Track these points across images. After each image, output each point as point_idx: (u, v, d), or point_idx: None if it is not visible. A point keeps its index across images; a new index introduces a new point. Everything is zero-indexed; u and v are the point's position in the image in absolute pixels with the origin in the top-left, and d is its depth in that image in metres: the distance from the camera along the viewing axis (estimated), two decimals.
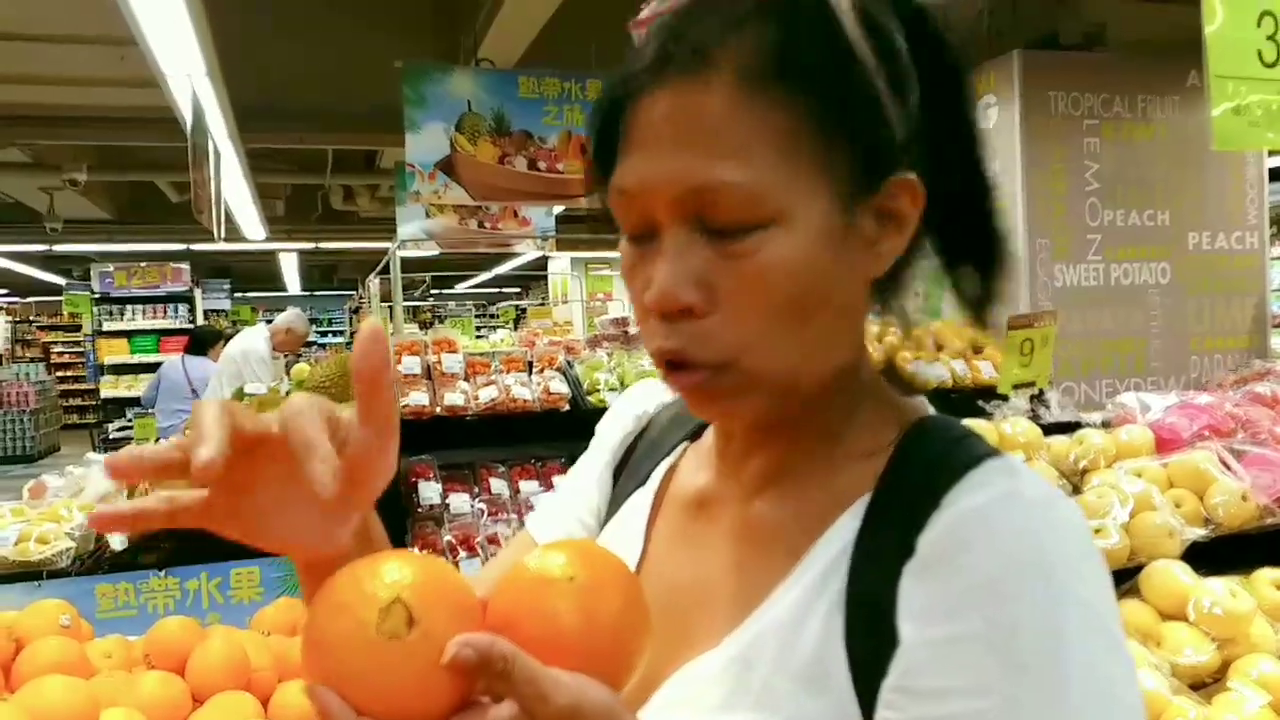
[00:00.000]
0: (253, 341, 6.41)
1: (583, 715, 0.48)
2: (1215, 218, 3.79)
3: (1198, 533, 2.06)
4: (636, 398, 0.88)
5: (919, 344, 3.36)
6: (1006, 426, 2.31)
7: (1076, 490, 2.20)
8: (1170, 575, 1.93)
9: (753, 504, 0.68)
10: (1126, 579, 1.97)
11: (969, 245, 0.66)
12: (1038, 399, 2.82)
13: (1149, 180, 3.71)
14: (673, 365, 0.61)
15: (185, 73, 4.21)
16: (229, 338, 7.36)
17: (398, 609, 0.48)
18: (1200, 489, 2.16)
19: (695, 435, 0.80)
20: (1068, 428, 2.47)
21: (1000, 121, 3.69)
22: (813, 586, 0.60)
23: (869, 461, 0.63)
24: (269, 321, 16.16)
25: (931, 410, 0.68)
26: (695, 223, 0.59)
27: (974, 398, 3.21)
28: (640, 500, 0.79)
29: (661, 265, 0.59)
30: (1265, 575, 1.96)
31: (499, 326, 17.33)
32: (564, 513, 0.85)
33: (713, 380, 0.60)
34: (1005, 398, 2.80)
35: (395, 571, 0.50)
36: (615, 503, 0.82)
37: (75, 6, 4.64)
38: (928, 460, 0.60)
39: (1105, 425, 2.48)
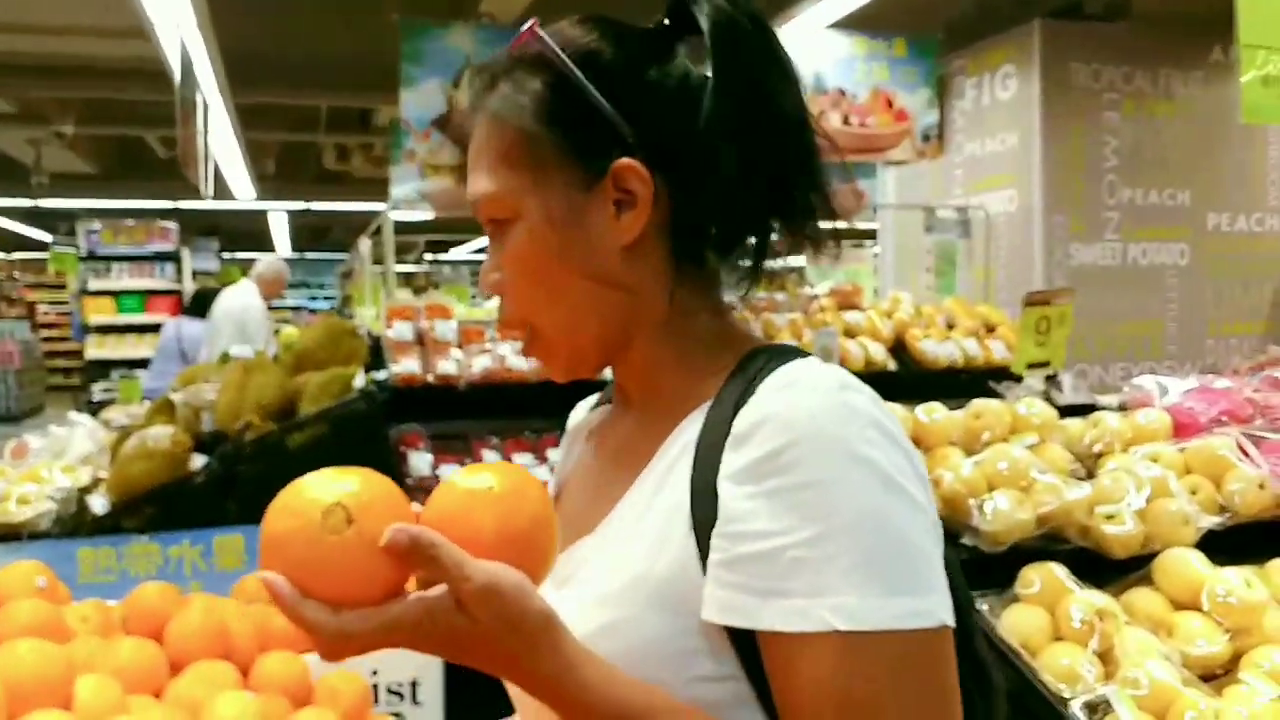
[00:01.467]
0: (249, 298, 6.23)
1: (499, 591, 0.60)
2: (1236, 198, 3.71)
3: (1213, 520, 2.00)
4: (589, 400, 1.01)
5: (929, 322, 3.29)
6: (1020, 407, 2.24)
7: (1090, 474, 2.14)
8: (1185, 563, 1.88)
9: (623, 424, 0.85)
10: (1140, 566, 1.92)
11: (723, 234, 0.79)
12: (1051, 381, 2.75)
13: (1169, 158, 3.62)
14: (512, 334, 0.82)
15: (174, 23, 4.08)
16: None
17: (338, 510, 0.59)
18: (1217, 476, 2.10)
19: (606, 401, 0.96)
20: (1083, 410, 2.40)
21: (1018, 93, 3.60)
22: (664, 471, 0.74)
23: (711, 380, 0.76)
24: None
25: (766, 343, 0.81)
26: (489, 225, 0.79)
27: (985, 378, 3.14)
28: (560, 469, 0.96)
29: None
30: None
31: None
32: None
33: (527, 340, 0.80)
34: (1018, 378, 2.73)
35: (338, 480, 0.61)
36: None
37: None
38: (753, 369, 0.73)
39: (1121, 408, 2.41)
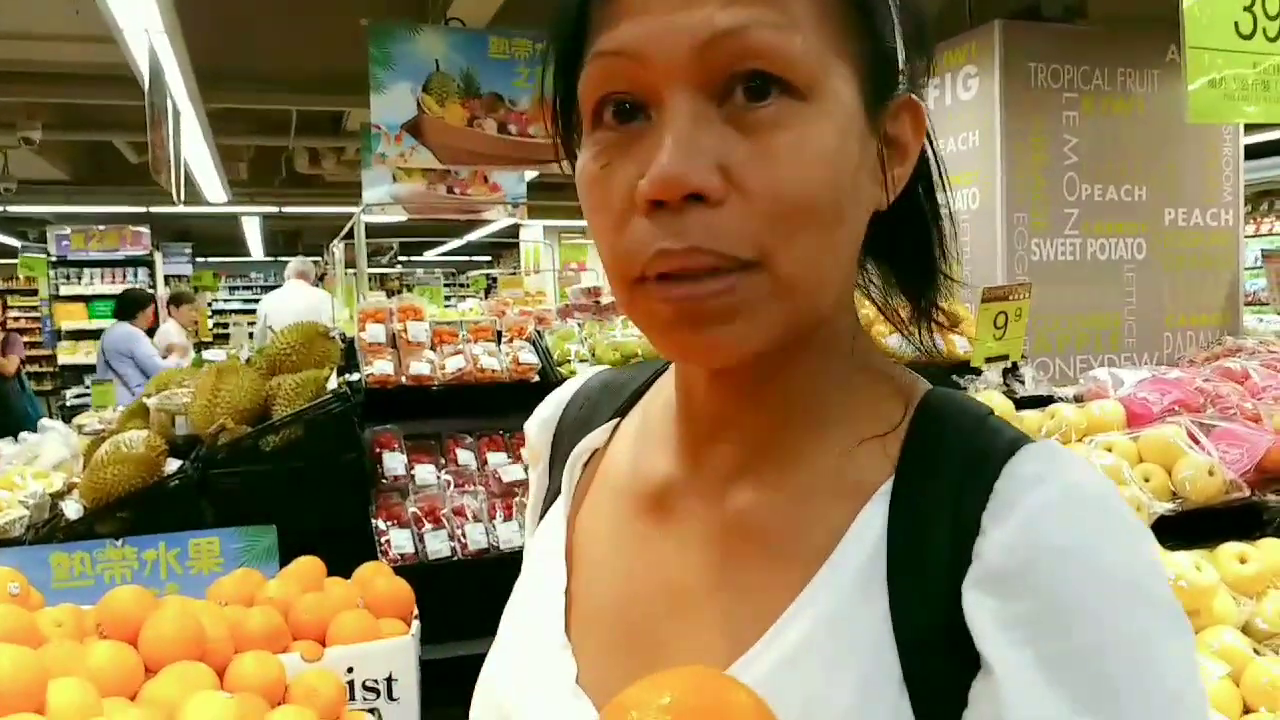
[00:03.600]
0: (312, 296, 6.45)
1: None
2: (1192, 194, 3.80)
3: (1165, 507, 2.07)
4: (562, 389, 0.77)
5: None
6: (979, 399, 2.30)
7: None
8: None
9: (733, 491, 0.57)
10: None
11: (912, 267, 0.61)
12: (1011, 373, 2.82)
13: (1127, 155, 3.70)
14: (675, 279, 0.49)
15: (142, 28, 4.08)
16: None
17: None
18: (1169, 463, 2.17)
19: (624, 411, 0.69)
20: (1041, 402, 2.47)
21: (980, 92, 3.66)
22: (840, 606, 0.51)
23: (877, 444, 0.54)
24: (235, 287, 15.84)
25: (927, 383, 0.60)
26: (709, 90, 0.49)
27: (948, 372, 3.20)
28: (555, 516, 0.69)
29: (666, 141, 0.48)
30: (1230, 549, 1.98)
31: (469, 296, 17.19)
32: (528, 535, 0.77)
33: (738, 285, 0.48)
34: (978, 371, 2.79)
35: None
36: (549, 500, 0.72)
37: None
38: (955, 445, 0.53)
39: (1078, 400, 2.48)
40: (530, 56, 4.16)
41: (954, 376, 3.24)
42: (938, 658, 0.48)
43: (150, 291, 8.07)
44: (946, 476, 0.51)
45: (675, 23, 0.48)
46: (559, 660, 0.60)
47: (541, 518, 0.72)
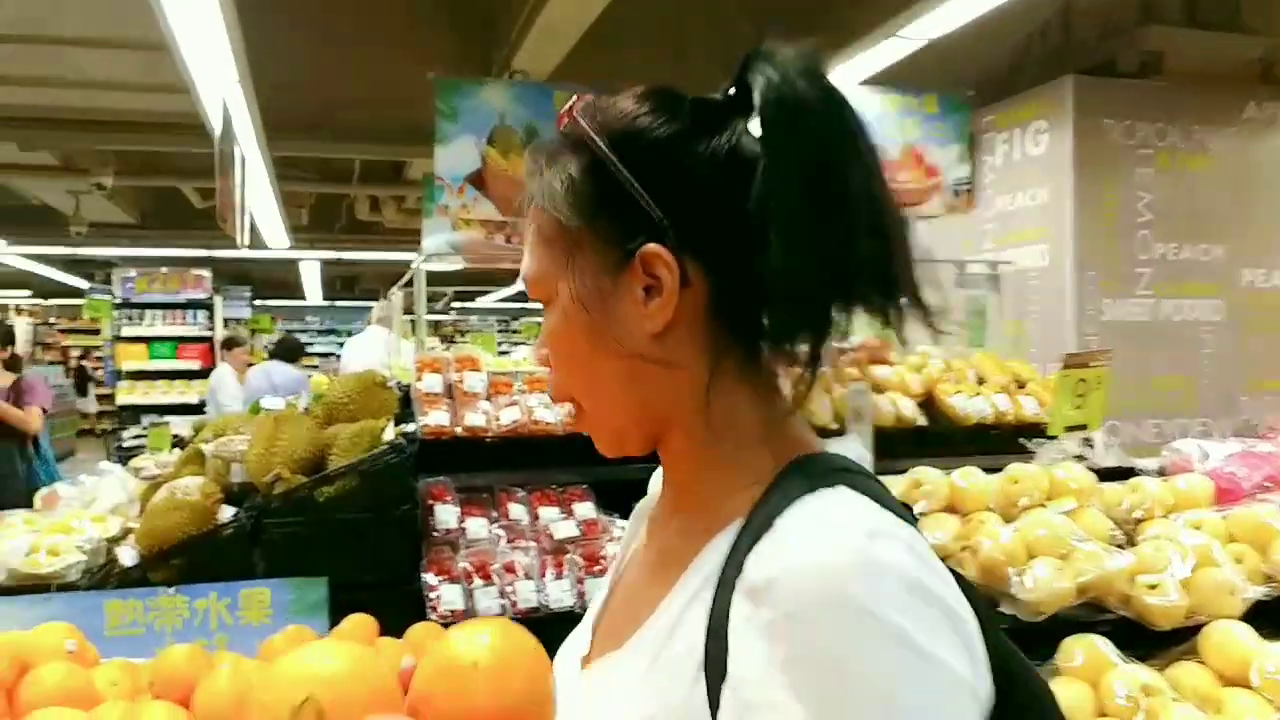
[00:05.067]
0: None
1: None
2: (1271, 254, 3.67)
3: (1260, 591, 1.95)
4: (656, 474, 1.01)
5: (959, 377, 3.25)
6: (1059, 471, 2.20)
7: (1130, 541, 2.09)
8: (1231, 636, 1.83)
9: (668, 529, 0.82)
10: (1185, 638, 1.87)
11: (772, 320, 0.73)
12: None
13: (1203, 213, 3.60)
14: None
15: (216, 80, 4.17)
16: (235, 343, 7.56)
17: (308, 708, 0.56)
18: (1262, 544, 2.05)
19: None
20: (1121, 474, 2.36)
21: (1051, 148, 3.59)
22: (688, 598, 0.70)
23: (748, 491, 0.71)
24: (291, 330, 16.11)
25: (829, 449, 0.75)
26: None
27: (1015, 434, 3.10)
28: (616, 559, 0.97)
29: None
30: None
31: (521, 342, 17.29)
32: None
33: (575, 414, 0.81)
34: (1051, 436, 2.69)
35: (310, 667, 0.57)
36: None
37: (108, 11, 4.62)
38: (782, 491, 0.68)
39: (1161, 473, 2.37)
40: None
41: (1021, 440, 3.13)
42: (720, 645, 0.64)
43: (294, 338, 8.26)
44: (762, 515, 0.67)
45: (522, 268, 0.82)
46: (583, 640, 0.86)
47: None
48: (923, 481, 2.21)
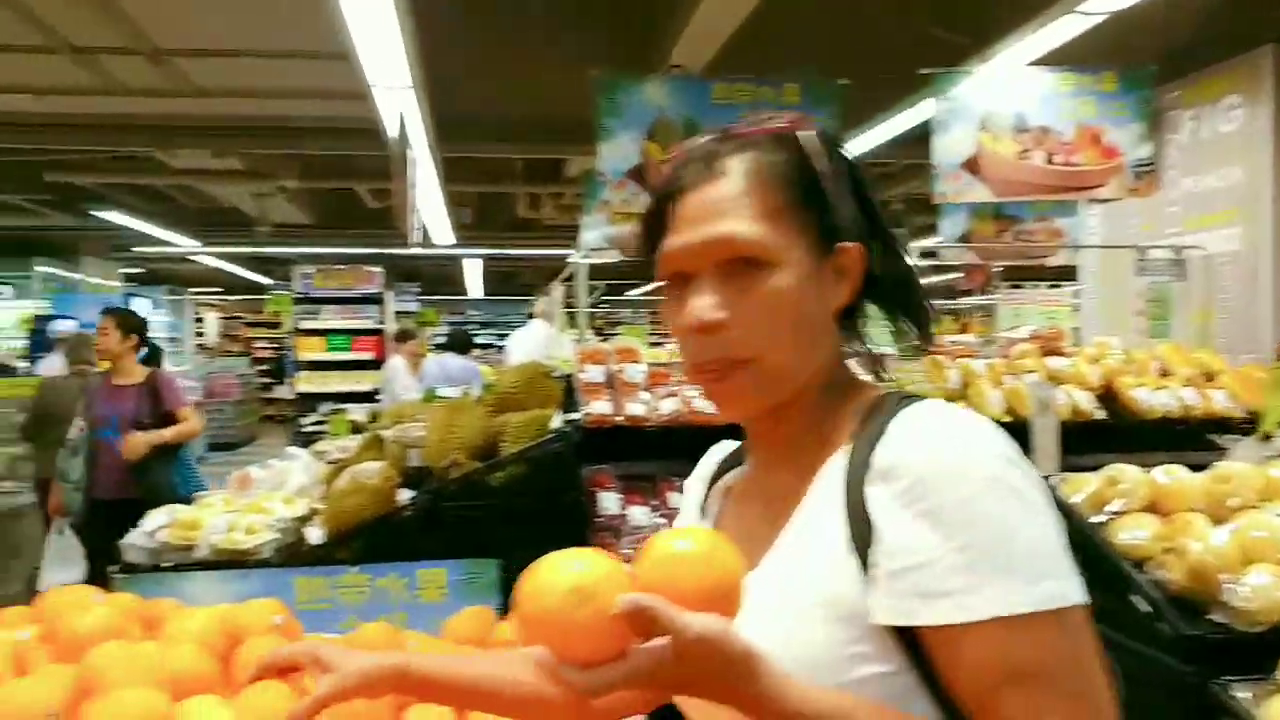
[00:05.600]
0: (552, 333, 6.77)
1: (710, 638, 0.72)
2: None
3: None
4: (708, 455, 1.15)
5: (1141, 369, 3.07)
6: (1273, 470, 2.04)
7: None
8: None
9: (769, 477, 0.96)
10: None
11: (898, 303, 0.97)
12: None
13: None
14: (708, 372, 0.90)
15: (391, 86, 4.38)
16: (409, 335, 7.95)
17: (576, 592, 0.72)
18: None
19: (740, 463, 1.08)
20: None
21: (1246, 124, 3.34)
22: (817, 506, 0.87)
23: (848, 423, 0.90)
24: (455, 324, 16.71)
25: (885, 390, 0.95)
26: (718, 268, 0.89)
27: (1205, 429, 2.91)
28: (707, 522, 1.08)
29: (696, 298, 0.89)
30: None
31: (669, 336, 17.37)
32: None
33: (740, 375, 0.88)
34: (1241, 430, 2.51)
35: (570, 563, 0.75)
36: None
37: (292, 24, 4.92)
38: (882, 413, 0.87)
39: None
40: (751, 101, 4.17)
41: (1212, 435, 2.94)
42: (864, 527, 0.81)
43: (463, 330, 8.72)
44: (870, 431, 0.85)
45: (697, 233, 0.89)
46: None
47: None
48: (1119, 479, 2.09)
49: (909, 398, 0.89)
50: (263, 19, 4.95)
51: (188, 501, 4.00)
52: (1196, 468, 2.08)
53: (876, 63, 4.36)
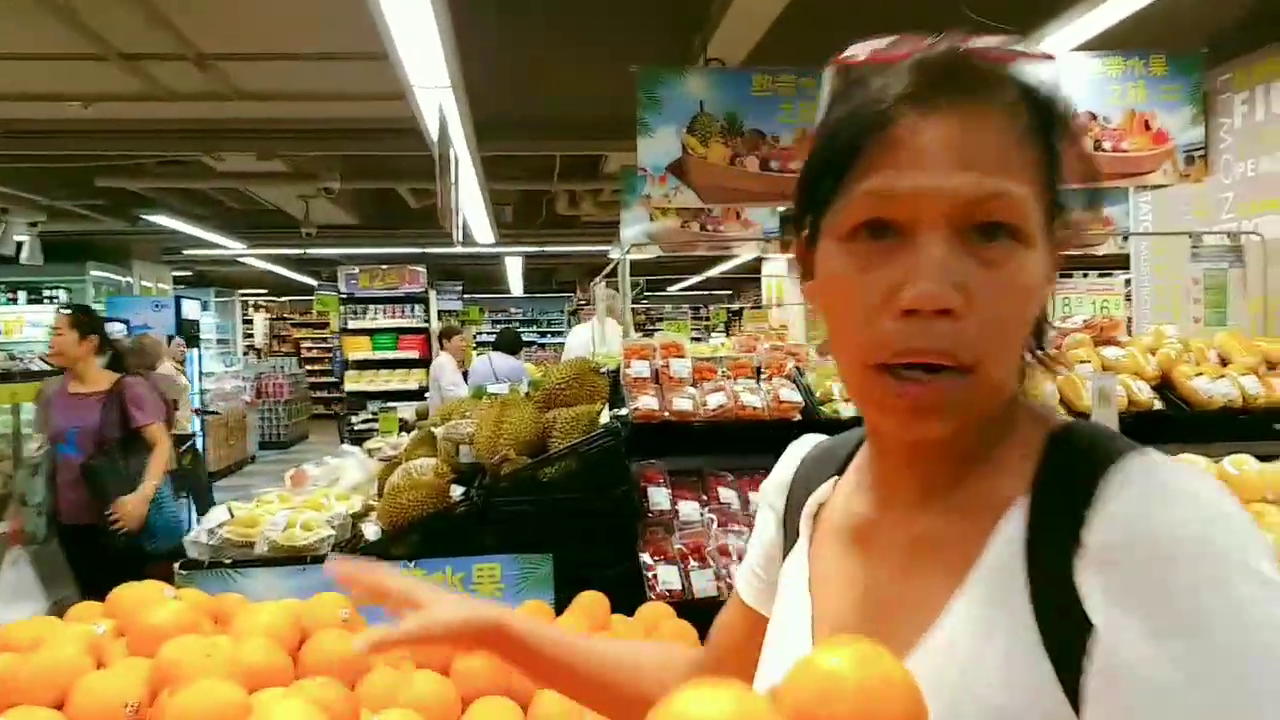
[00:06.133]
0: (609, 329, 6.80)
1: None
2: None
3: None
4: (787, 455, 0.96)
5: (1199, 358, 3.02)
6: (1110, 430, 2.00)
7: None
8: None
9: (916, 519, 0.73)
10: None
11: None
12: None
13: None
14: (908, 369, 0.65)
15: (432, 86, 4.42)
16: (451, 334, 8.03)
17: None
18: None
19: (840, 470, 0.87)
20: None
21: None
22: (996, 577, 0.65)
23: (1020, 465, 0.68)
24: (498, 321, 16.86)
25: (1061, 418, 0.72)
26: (955, 228, 0.65)
27: (1269, 419, 2.86)
28: (798, 556, 0.85)
29: (927, 266, 0.64)
30: None
31: (711, 329, 17.36)
32: (747, 571, 0.96)
33: (953, 385, 0.65)
34: None
35: (706, 709, 0.57)
36: (789, 546, 0.90)
37: (333, 26, 4.98)
38: (1077, 459, 0.65)
39: None
40: (792, 92, 4.15)
41: (1277, 425, 2.89)
42: (1067, 624, 0.60)
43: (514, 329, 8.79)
44: (1067, 485, 0.64)
45: (947, 181, 0.64)
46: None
47: (784, 558, 0.90)
48: None
49: (1104, 438, 0.66)
50: (304, 22, 5.02)
51: (166, 528, 3.86)
52: (1263, 458, 2.05)
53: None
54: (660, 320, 18.79)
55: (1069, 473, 0.64)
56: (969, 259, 0.64)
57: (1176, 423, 2.84)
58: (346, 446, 3.88)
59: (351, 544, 2.89)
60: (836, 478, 0.86)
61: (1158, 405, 2.86)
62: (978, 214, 0.64)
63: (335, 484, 3.48)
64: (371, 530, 2.92)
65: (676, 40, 5.07)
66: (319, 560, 2.76)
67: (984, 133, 0.65)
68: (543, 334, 20.30)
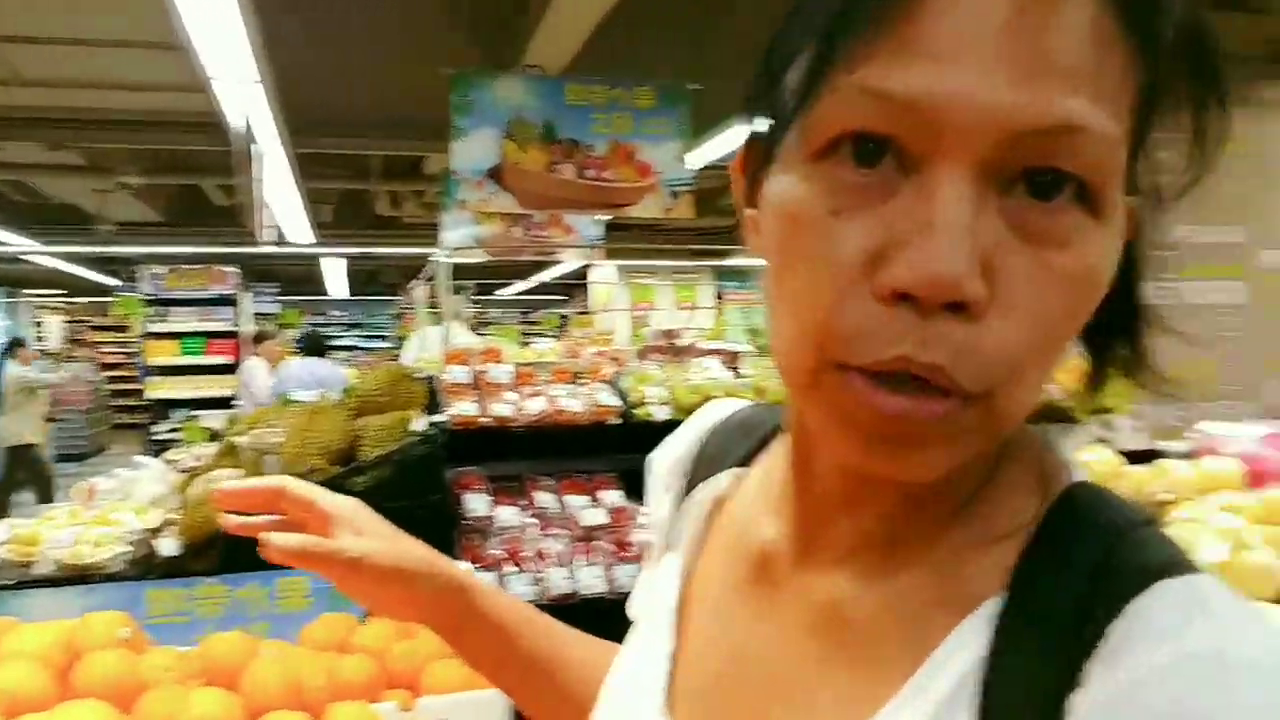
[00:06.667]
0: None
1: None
2: None
3: None
4: (691, 423, 0.72)
5: None
6: (1084, 455, 2.22)
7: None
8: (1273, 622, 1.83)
9: (836, 577, 0.51)
10: None
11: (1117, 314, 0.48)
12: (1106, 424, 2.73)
13: (1220, 195, 3.58)
14: (899, 381, 0.41)
15: (234, 78, 4.23)
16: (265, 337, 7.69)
17: None
18: None
19: (744, 461, 0.64)
20: (1146, 456, 2.37)
21: None
22: (935, 706, 0.44)
23: (1000, 546, 0.46)
24: (318, 325, 16.27)
25: (1077, 471, 0.49)
26: (996, 173, 0.40)
27: (1039, 420, 3.11)
28: (671, 567, 0.63)
29: (943, 226, 0.39)
30: None
31: (541, 334, 17.33)
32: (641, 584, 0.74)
33: (952, 413, 0.41)
34: (1073, 419, 2.71)
35: None
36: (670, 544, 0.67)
37: (130, 12, 4.69)
38: (1083, 563, 0.44)
39: (1188, 456, 2.37)
40: (606, 103, 4.21)
41: (1044, 424, 3.15)
42: None
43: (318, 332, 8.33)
44: (1062, 602, 0.43)
45: (1000, 96, 0.39)
46: (655, 688, 0.58)
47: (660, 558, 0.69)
48: None
49: (1128, 519, 0.45)
50: (97, 6, 4.71)
51: None
52: None
53: (739, 65, 4.46)
54: (489, 325, 18.62)
55: (1073, 582, 0.43)
56: (1007, 226, 0.40)
57: None
58: (143, 458, 3.66)
59: (148, 560, 2.74)
60: (740, 470, 0.63)
61: None
62: (1035, 155, 0.40)
63: (130, 498, 3.28)
64: (170, 545, 2.78)
65: (496, 45, 5.05)
66: (111, 578, 2.61)
67: (1073, 14, 0.39)
68: (368, 338, 19.70)
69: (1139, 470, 2.24)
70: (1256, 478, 2.21)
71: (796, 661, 0.52)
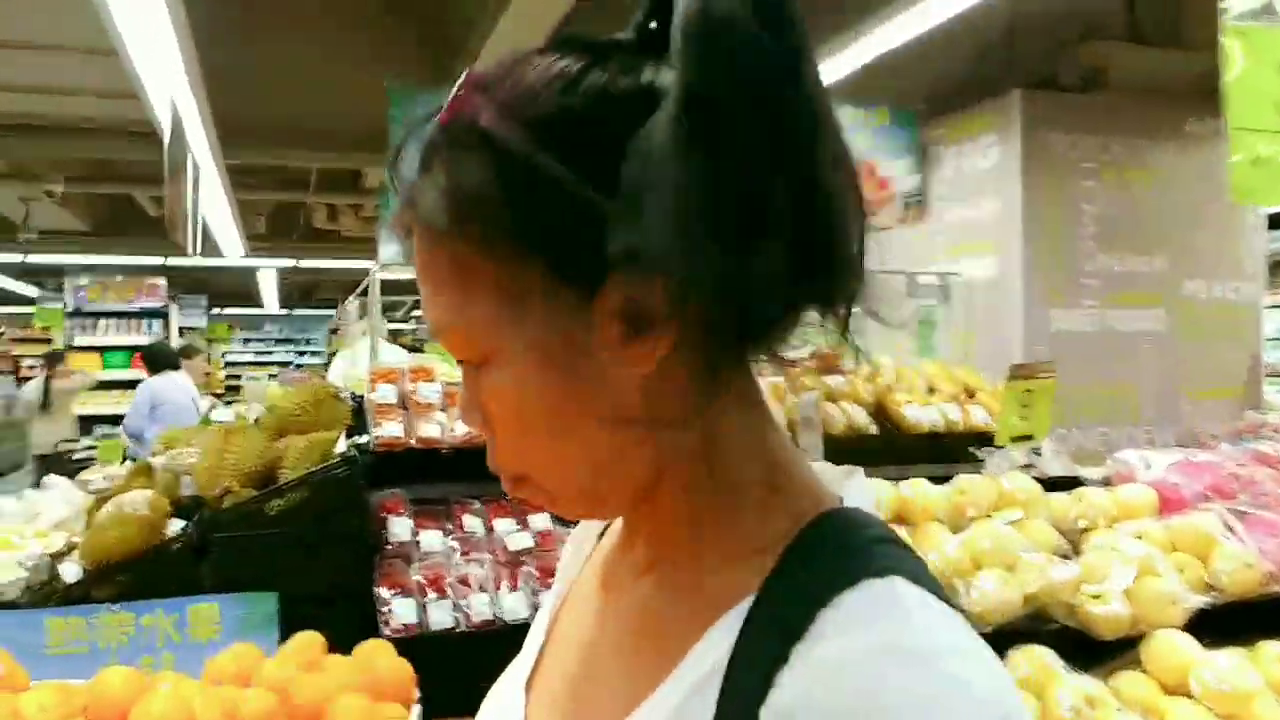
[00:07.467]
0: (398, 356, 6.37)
1: None
2: (1212, 265, 3.77)
3: (1201, 600, 1.99)
4: None
5: (909, 386, 3.28)
6: (1005, 482, 2.23)
7: (1076, 551, 2.13)
8: (1173, 646, 1.87)
9: (640, 582, 0.65)
10: (1128, 649, 1.91)
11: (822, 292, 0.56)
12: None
13: (1146, 226, 3.68)
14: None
15: (165, 85, 4.12)
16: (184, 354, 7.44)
17: None
18: (1203, 554, 2.10)
19: None
20: (1067, 483, 2.40)
21: (999, 161, 3.65)
22: (686, 696, 0.54)
23: (757, 559, 0.55)
24: (249, 340, 15.97)
25: (852, 501, 0.59)
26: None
27: (966, 442, 3.13)
28: (563, 578, 0.79)
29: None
30: (1272, 649, 1.89)
31: None
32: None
33: (520, 488, 0.61)
34: (999, 445, 2.72)
35: None
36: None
37: (57, 14, 4.55)
38: (810, 567, 0.53)
39: (1106, 482, 2.41)
40: None
41: (971, 448, 3.17)
42: None
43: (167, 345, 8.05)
44: (795, 600, 0.51)
45: (426, 313, 0.60)
46: (512, 707, 0.70)
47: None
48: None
49: (862, 555, 0.53)
50: (22, 8, 4.56)
51: None
52: (941, 480, 2.25)
53: None
54: (427, 342, 18.42)
55: (794, 586, 0.52)
56: (473, 379, 0.59)
57: (886, 445, 3.06)
58: (51, 477, 3.52)
59: (48, 587, 2.60)
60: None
61: (873, 430, 3.08)
62: (449, 350, 0.59)
63: (34, 520, 3.13)
64: (72, 571, 2.65)
65: (439, 61, 5.00)
66: (6, 606, 2.48)
67: (428, 247, 0.57)
68: (301, 353, 19.34)
69: (1057, 497, 2.27)
70: (1167, 505, 2.25)
71: (611, 651, 0.64)
